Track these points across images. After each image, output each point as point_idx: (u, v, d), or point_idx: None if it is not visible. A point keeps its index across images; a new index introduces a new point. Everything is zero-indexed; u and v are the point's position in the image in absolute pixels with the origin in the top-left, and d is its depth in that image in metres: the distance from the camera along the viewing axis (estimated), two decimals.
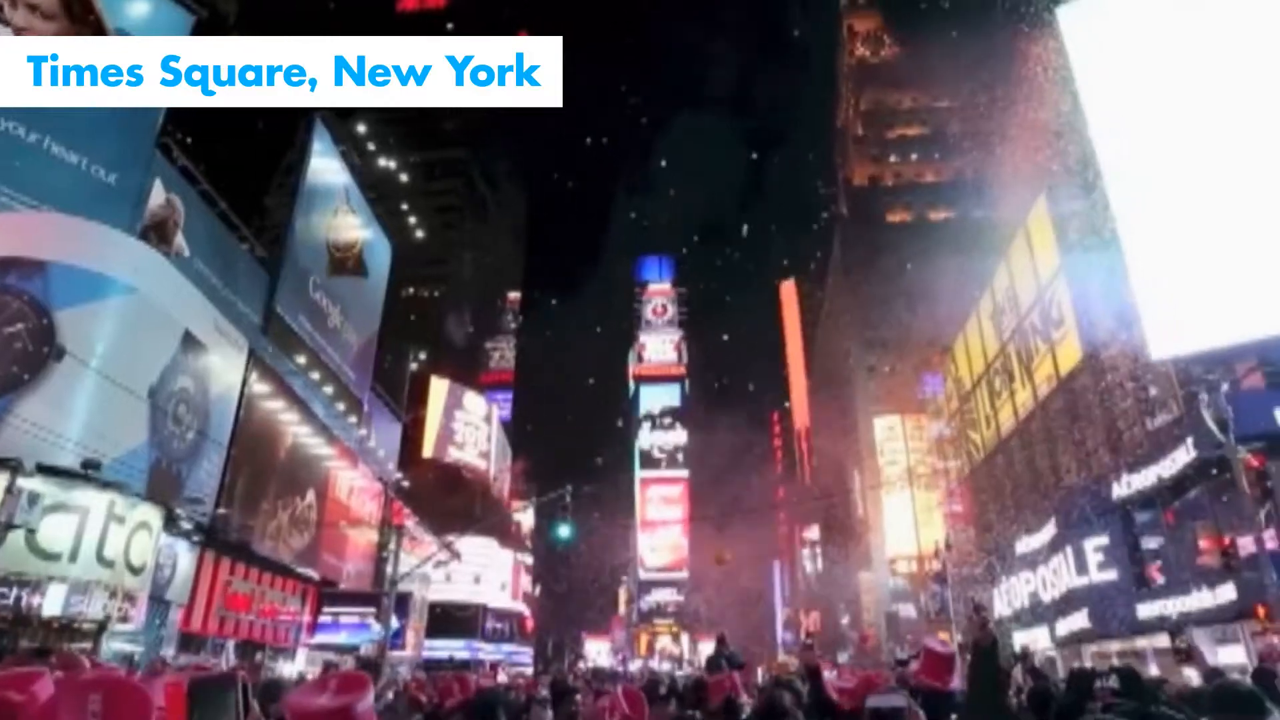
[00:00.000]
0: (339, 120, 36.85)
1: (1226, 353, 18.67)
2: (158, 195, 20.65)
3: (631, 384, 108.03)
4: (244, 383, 23.54)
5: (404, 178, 79.50)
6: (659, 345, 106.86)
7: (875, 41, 79.46)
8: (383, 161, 75.45)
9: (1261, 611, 15.31)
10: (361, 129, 70.24)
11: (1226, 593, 17.73)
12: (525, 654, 54.22)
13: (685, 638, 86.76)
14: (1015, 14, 30.92)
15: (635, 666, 66.33)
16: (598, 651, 78.27)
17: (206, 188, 23.34)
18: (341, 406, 31.89)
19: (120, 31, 19.15)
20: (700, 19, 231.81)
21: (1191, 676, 15.38)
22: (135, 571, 17.01)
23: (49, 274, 17.01)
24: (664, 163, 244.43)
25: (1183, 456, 19.65)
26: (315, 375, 29.50)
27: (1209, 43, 19.43)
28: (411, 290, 75.84)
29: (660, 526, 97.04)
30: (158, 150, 20.77)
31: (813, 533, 78.08)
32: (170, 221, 21.07)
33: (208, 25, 22.52)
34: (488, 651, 46.09)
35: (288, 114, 27.88)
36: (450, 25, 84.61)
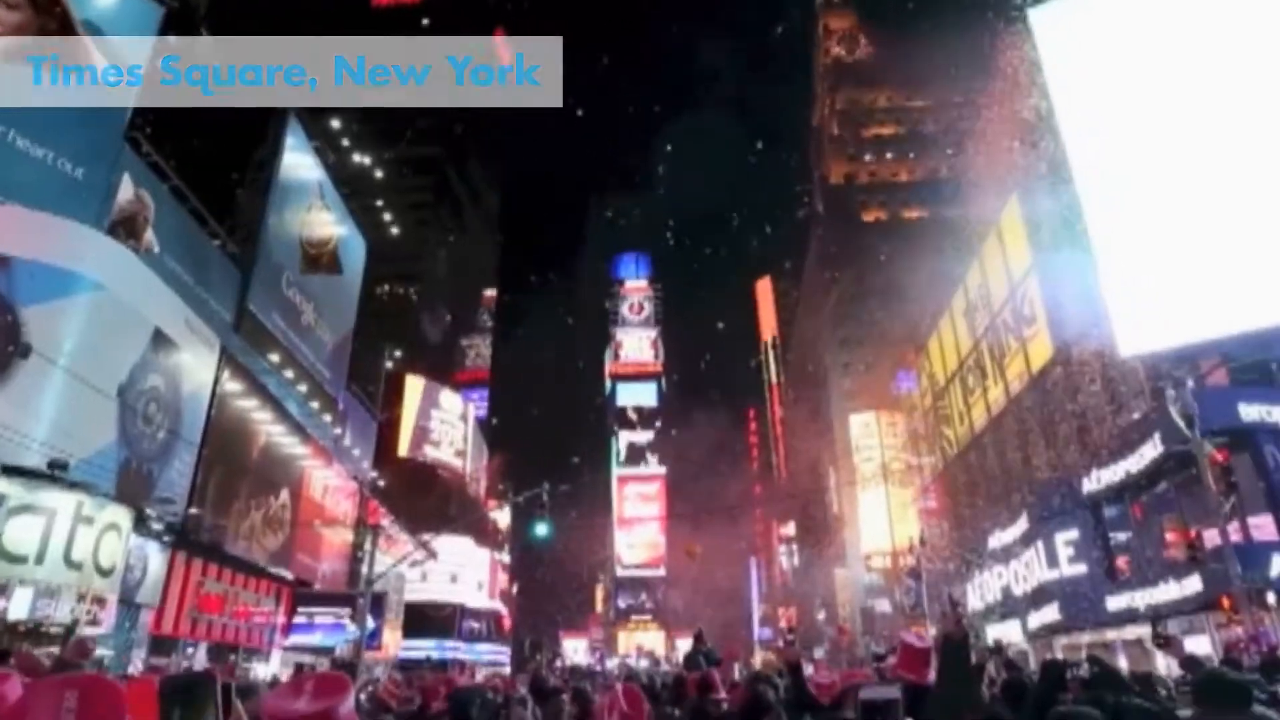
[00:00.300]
0: (312, 116, 36.33)
1: (1193, 350, 19.05)
2: (126, 190, 20.27)
3: (608, 382, 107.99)
4: (216, 381, 23.22)
5: (378, 174, 78.67)
6: (635, 343, 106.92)
7: (851, 40, 79.96)
8: (357, 158, 74.54)
9: (1226, 603, 15.64)
10: (335, 125, 69.37)
11: (1192, 584, 18.10)
12: (503, 653, 54.04)
13: (662, 635, 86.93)
14: (989, 15, 31.26)
15: (613, 664, 66.33)
16: (574, 649, 78.22)
17: (177, 183, 22.95)
18: (316, 405, 31.56)
19: (87, 23, 18.79)
20: (680, 17, 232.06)
21: (1160, 666, 15.70)
22: (104, 573, 16.73)
23: (14, 270, 16.66)
24: (642, 160, 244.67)
25: (1150, 451, 20.03)
26: (289, 373, 29.16)
27: (1178, 46, 19.80)
28: (387, 288, 75.19)
29: (637, 524, 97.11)
30: (126, 144, 20.37)
31: (789, 529, 78.60)
32: (140, 217, 20.69)
33: (178, 18, 22.11)
34: (463, 651, 45.88)
35: (260, 109, 27.49)
36: (426, 21, 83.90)
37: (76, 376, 16.56)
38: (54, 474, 15.38)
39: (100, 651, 17.71)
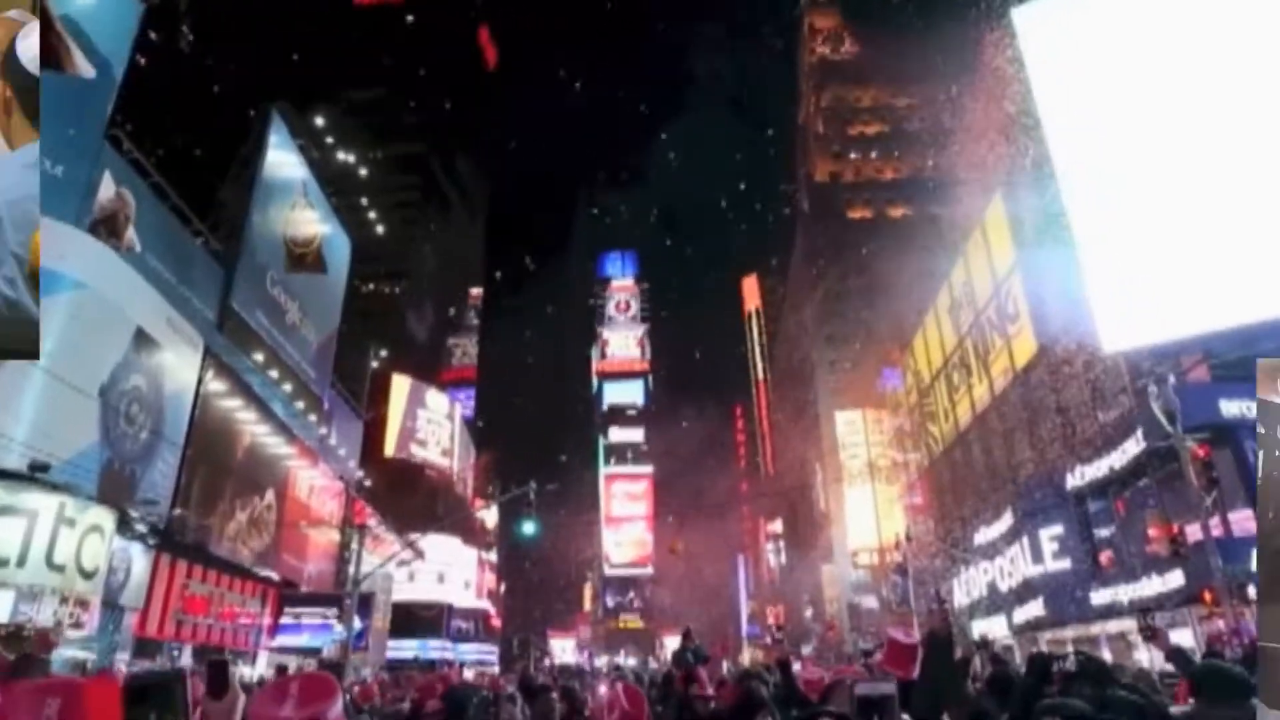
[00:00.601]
0: (296, 112, 36.02)
1: (1174, 346, 19.20)
2: (107, 188, 20.01)
3: (595, 380, 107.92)
4: (199, 381, 23.01)
5: (363, 172, 78.19)
6: (622, 341, 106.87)
7: (836, 39, 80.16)
8: (341, 155, 74.09)
9: (1208, 596, 15.82)
10: (320, 122, 68.90)
11: (1175, 579, 18.30)
12: (491, 652, 53.93)
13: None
14: (973, 13, 31.41)
15: (601, 662, 66.32)
16: (562, 648, 78.10)
17: (158, 180, 22.71)
18: (301, 405, 31.35)
19: (65, 19, 18.51)
20: (666, 15, 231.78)
21: (1144, 659, 15.86)
22: (87, 576, 16.56)
23: None
24: (629, 157, 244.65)
25: (1133, 447, 20.21)
26: (273, 373, 28.94)
27: (1161, 44, 19.91)
28: (372, 286, 74.80)
29: (625, 522, 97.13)
30: (107, 142, 20.12)
31: (776, 526, 78.79)
32: (121, 215, 20.45)
33: (159, 12, 21.88)
34: (449, 649, 45.73)
35: (243, 106, 27.26)
36: (410, 19, 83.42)
37: (57, 377, 16.37)
38: (35, 476, 15.21)
39: (84, 654, 17.55)
